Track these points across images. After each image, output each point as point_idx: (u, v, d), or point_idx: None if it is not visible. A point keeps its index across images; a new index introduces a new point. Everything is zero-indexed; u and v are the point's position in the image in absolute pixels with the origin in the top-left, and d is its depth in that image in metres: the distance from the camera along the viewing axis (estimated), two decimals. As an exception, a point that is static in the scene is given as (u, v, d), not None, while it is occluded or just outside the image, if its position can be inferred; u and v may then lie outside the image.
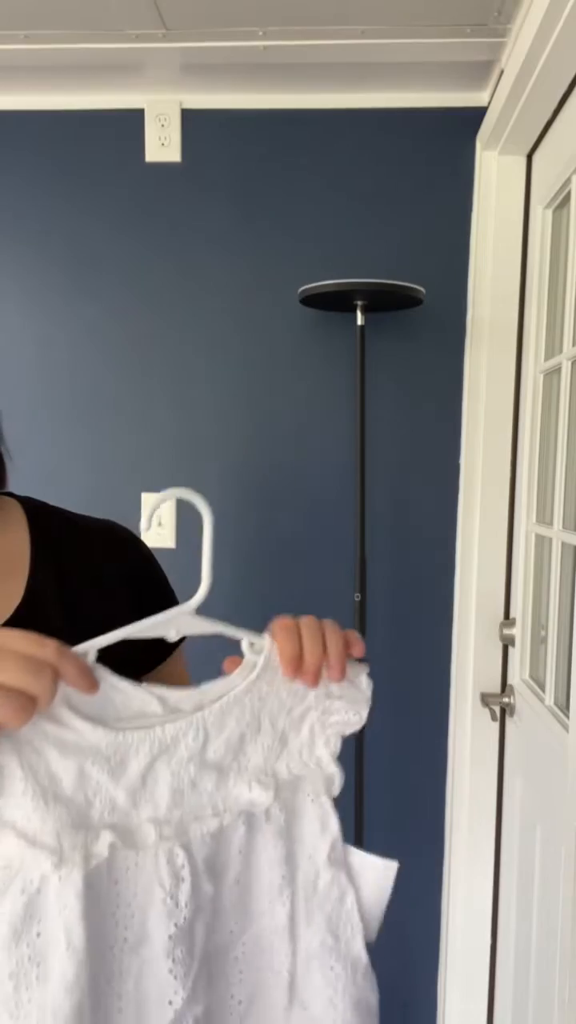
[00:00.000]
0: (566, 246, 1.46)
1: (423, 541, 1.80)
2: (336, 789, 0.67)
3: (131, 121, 1.75)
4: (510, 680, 1.76)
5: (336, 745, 0.67)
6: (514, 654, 1.73)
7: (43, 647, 0.54)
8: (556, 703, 1.48)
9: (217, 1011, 0.64)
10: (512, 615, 1.74)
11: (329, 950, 0.65)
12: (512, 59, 1.40)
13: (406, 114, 1.72)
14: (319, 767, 0.66)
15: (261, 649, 0.65)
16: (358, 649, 0.66)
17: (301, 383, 1.79)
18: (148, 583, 0.86)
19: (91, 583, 0.78)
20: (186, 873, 0.59)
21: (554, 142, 1.51)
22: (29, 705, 0.53)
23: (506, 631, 1.74)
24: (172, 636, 0.62)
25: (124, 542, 0.86)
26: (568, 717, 1.36)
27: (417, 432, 1.79)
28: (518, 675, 1.70)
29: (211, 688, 0.64)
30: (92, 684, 0.56)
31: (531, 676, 1.65)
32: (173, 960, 0.58)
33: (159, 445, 1.80)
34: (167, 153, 1.75)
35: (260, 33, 1.49)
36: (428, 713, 1.81)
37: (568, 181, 1.43)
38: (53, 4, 1.42)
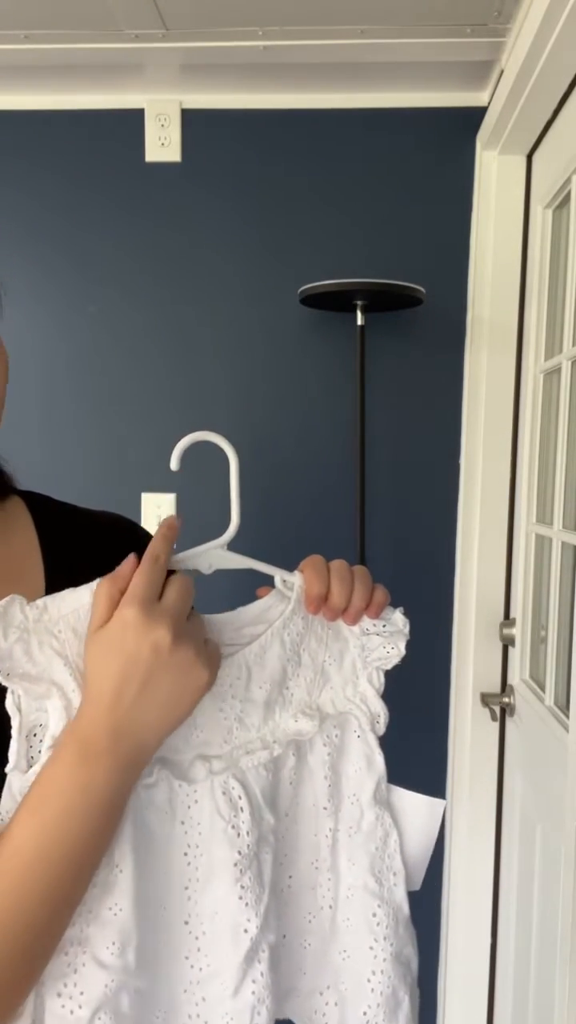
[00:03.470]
0: (566, 246, 1.46)
1: (423, 541, 1.80)
2: (381, 727, 0.68)
3: (131, 121, 1.75)
4: (510, 680, 1.75)
5: (379, 681, 0.69)
6: (514, 654, 1.73)
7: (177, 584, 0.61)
8: (556, 703, 1.48)
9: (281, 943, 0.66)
10: (512, 615, 1.74)
11: (372, 894, 0.65)
12: (512, 59, 1.40)
13: (406, 114, 1.72)
14: (364, 703, 0.68)
15: (293, 586, 0.67)
16: (379, 602, 0.68)
17: (301, 383, 1.79)
18: (128, 537, 0.86)
19: (102, 575, 0.78)
20: (244, 803, 0.61)
21: (554, 142, 1.51)
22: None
23: (506, 631, 1.74)
24: (206, 569, 0.65)
25: (130, 532, 0.86)
26: (568, 717, 1.36)
27: (417, 432, 1.79)
28: (518, 675, 1.70)
29: (246, 612, 0.66)
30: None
31: (531, 676, 1.65)
32: (242, 887, 0.60)
33: (159, 445, 1.80)
34: (167, 153, 1.75)
35: (260, 33, 1.49)
36: (428, 713, 1.81)
37: (568, 181, 1.43)
38: (53, 4, 1.42)
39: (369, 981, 0.65)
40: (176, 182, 1.76)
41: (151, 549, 0.62)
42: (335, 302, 1.63)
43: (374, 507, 1.77)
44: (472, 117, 1.69)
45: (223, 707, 0.64)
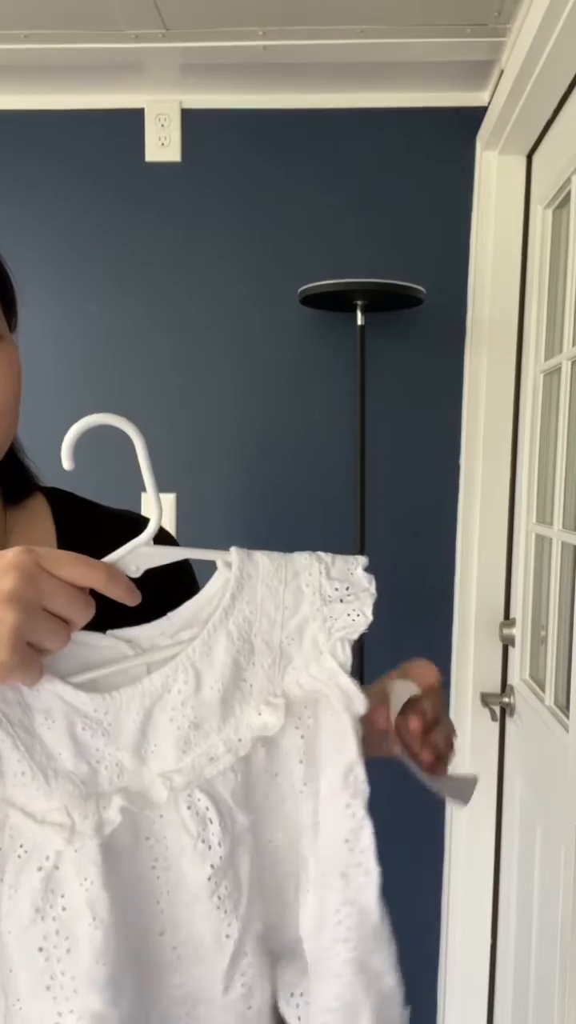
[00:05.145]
0: (566, 246, 1.46)
1: (423, 541, 1.80)
2: (359, 706, 0.58)
3: (131, 121, 1.75)
4: (510, 680, 1.75)
5: (344, 654, 0.59)
6: (514, 654, 1.73)
7: (94, 571, 0.54)
8: (556, 703, 1.48)
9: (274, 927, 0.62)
10: (512, 615, 1.74)
11: (335, 891, 0.58)
12: (512, 59, 1.40)
13: (406, 114, 1.72)
14: (333, 680, 0.59)
15: (231, 565, 0.59)
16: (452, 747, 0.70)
17: (301, 383, 1.79)
18: (172, 571, 0.86)
19: None
20: (212, 814, 0.56)
21: (554, 142, 1.51)
22: (68, 631, 0.54)
23: (506, 631, 1.74)
24: (133, 572, 0.57)
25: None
26: (568, 717, 1.36)
27: (417, 432, 1.79)
28: (518, 675, 1.70)
29: (178, 615, 0.60)
30: (136, 598, 0.56)
31: (531, 676, 1.65)
32: (219, 898, 0.57)
33: (158, 445, 1.80)
34: (167, 153, 1.75)
35: (260, 33, 1.49)
36: (428, 713, 1.81)
37: (568, 181, 1.43)
38: (53, 4, 1.42)
39: (328, 983, 0.58)
40: (176, 182, 1.76)
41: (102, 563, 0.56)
42: (335, 302, 1.63)
43: (374, 507, 1.77)
44: (472, 117, 1.69)
45: (173, 716, 0.57)
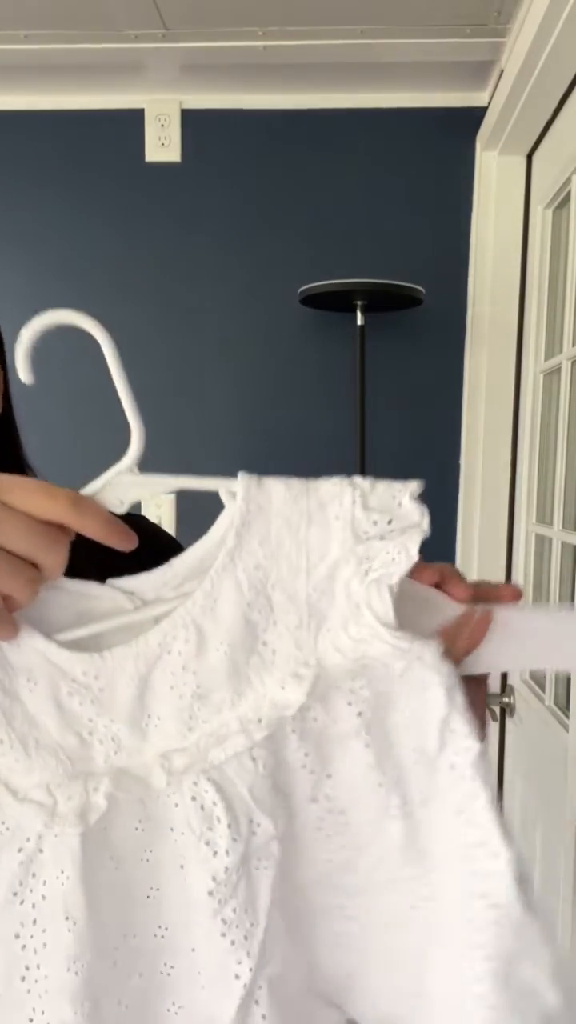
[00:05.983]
0: (566, 246, 1.46)
1: (423, 541, 1.79)
2: (429, 656, 0.45)
3: (131, 121, 1.75)
4: (510, 680, 1.76)
5: (382, 600, 0.45)
6: (514, 654, 1.73)
7: (55, 500, 0.43)
8: (556, 703, 1.48)
9: (318, 970, 0.49)
10: (512, 615, 1.74)
11: (460, 889, 0.44)
12: (512, 59, 1.40)
13: (406, 114, 1.72)
14: (379, 639, 0.46)
15: (236, 495, 0.46)
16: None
17: (301, 383, 1.79)
18: (165, 555, 0.84)
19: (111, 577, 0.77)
20: (220, 811, 0.45)
21: (554, 142, 1.51)
22: (38, 577, 0.43)
23: (506, 631, 1.73)
24: (118, 507, 0.46)
25: (151, 536, 0.84)
26: (568, 717, 1.36)
27: (417, 432, 1.79)
28: (518, 675, 1.70)
29: (182, 560, 0.47)
30: (128, 537, 0.44)
31: (531, 676, 1.65)
32: (223, 921, 0.45)
33: (158, 444, 1.79)
34: (167, 153, 1.75)
35: (260, 33, 1.49)
36: (428, 713, 1.81)
37: (568, 181, 1.43)
38: (53, 4, 1.42)
39: (462, 1013, 0.44)
40: (176, 182, 1.76)
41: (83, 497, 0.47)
42: (335, 302, 1.63)
43: (374, 507, 1.77)
44: (472, 117, 1.69)
45: (174, 683, 0.46)
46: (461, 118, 1.71)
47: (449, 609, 0.51)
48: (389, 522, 0.46)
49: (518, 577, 1.69)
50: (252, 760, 0.45)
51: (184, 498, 1.78)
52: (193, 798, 0.45)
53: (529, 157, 1.67)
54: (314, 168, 1.75)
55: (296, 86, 1.69)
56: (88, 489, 0.46)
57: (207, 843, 0.44)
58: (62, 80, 1.69)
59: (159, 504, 1.78)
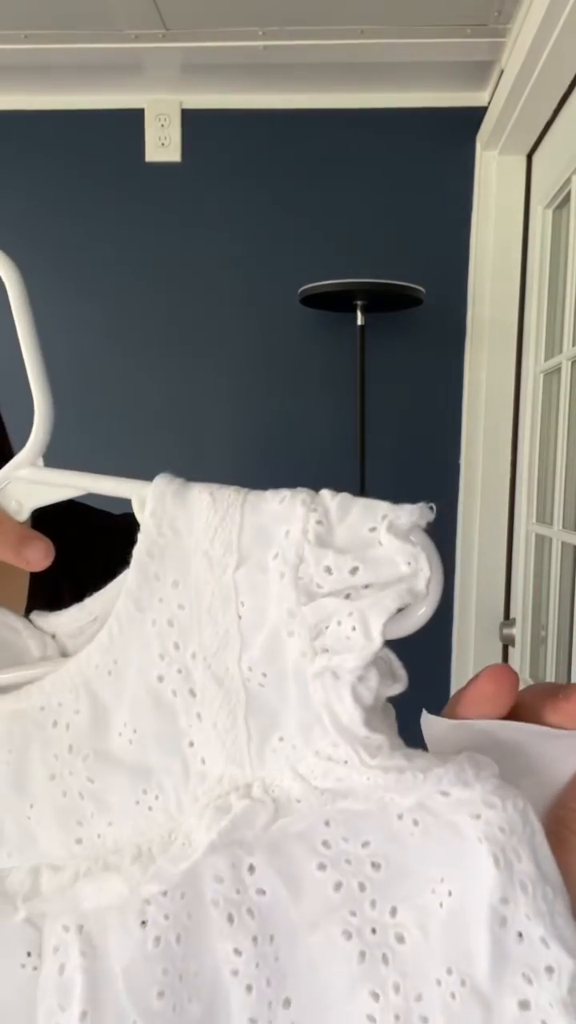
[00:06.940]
0: (566, 246, 1.46)
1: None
2: (478, 787, 0.27)
3: (131, 121, 1.75)
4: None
5: (348, 709, 0.27)
6: (514, 654, 1.73)
7: None
8: None
9: None
10: (512, 615, 1.74)
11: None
12: (512, 59, 1.40)
13: (406, 114, 1.72)
14: (349, 727, 0.27)
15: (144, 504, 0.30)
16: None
17: (301, 383, 1.79)
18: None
19: (104, 580, 0.74)
20: (78, 984, 0.28)
21: (554, 142, 1.51)
22: None
23: (506, 631, 1.74)
24: (14, 508, 0.33)
25: (103, 529, 0.81)
26: (568, 717, 1.36)
27: (417, 432, 1.79)
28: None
29: (95, 599, 0.32)
30: (45, 553, 0.32)
31: (531, 676, 1.65)
32: None
33: (158, 444, 1.80)
34: (167, 153, 1.75)
35: (260, 33, 1.49)
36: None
37: (568, 181, 1.43)
38: (53, 4, 1.42)
39: None
40: (176, 182, 1.76)
41: None
42: (335, 302, 1.63)
43: (374, 507, 1.77)
44: (472, 117, 1.69)
45: (57, 771, 0.30)
46: (461, 118, 1.71)
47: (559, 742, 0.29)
48: (353, 571, 0.28)
49: (518, 577, 1.69)
50: (140, 925, 0.28)
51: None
52: (55, 949, 0.29)
53: (529, 157, 1.67)
54: (314, 168, 1.75)
55: (296, 86, 1.69)
56: None
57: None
58: (62, 80, 1.69)
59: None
